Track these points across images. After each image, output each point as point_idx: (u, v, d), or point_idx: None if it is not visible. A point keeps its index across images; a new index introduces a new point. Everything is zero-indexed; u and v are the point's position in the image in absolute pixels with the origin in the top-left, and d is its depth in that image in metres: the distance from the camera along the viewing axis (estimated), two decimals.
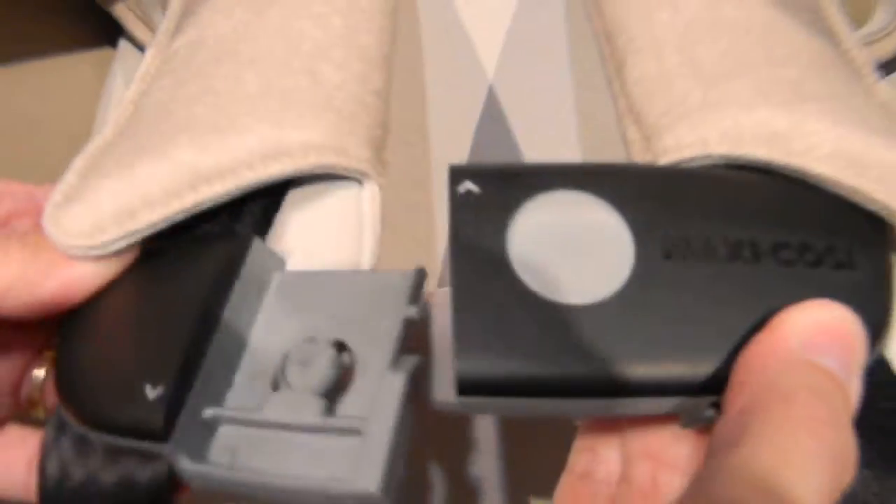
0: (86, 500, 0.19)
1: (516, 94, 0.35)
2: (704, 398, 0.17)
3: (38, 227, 0.21)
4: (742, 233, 0.17)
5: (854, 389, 0.16)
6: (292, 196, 0.22)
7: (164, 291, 0.19)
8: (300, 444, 0.18)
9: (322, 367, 0.18)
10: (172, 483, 0.18)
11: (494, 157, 0.34)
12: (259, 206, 0.21)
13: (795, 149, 0.18)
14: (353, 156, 0.21)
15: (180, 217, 0.20)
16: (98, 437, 0.19)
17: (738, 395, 0.16)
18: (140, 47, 0.39)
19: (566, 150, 0.33)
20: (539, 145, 0.33)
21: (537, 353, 0.16)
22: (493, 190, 0.18)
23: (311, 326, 0.19)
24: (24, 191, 0.23)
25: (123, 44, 0.40)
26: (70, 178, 0.20)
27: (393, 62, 0.25)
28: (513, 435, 0.36)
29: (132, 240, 0.19)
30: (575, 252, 0.17)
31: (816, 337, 0.16)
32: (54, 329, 0.22)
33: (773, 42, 0.21)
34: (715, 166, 0.19)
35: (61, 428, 0.20)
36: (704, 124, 0.20)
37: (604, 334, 0.16)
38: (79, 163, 0.21)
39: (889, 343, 0.17)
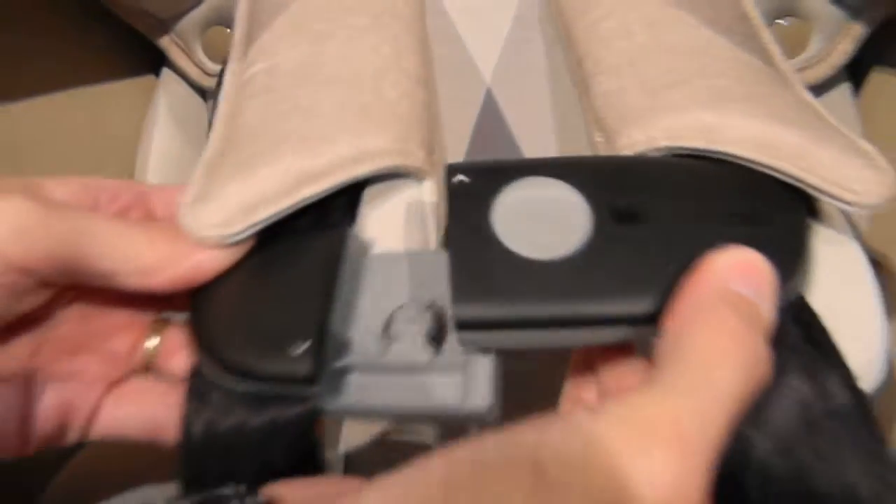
0: (233, 447, 0.22)
1: (506, 110, 0.40)
2: (651, 327, 0.20)
3: (159, 219, 0.26)
4: (678, 201, 0.22)
5: (766, 310, 0.20)
6: (368, 193, 0.26)
7: (291, 271, 0.23)
8: (416, 382, 0.22)
9: (425, 321, 0.23)
10: (313, 420, 0.22)
11: (488, 155, 0.39)
12: (343, 201, 0.26)
13: (720, 138, 0.23)
14: (415, 157, 0.26)
15: (289, 211, 0.24)
16: (246, 388, 0.22)
17: (672, 320, 0.20)
18: (181, 75, 0.43)
19: (548, 151, 0.39)
20: (525, 147, 0.39)
21: (517, 296, 0.21)
22: (479, 179, 0.23)
23: (406, 293, 0.24)
24: (137, 189, 0.26)
25: (166, 72, 0.44)
26: (196, 182, 0.25)
27: (431, 80, 0.30)
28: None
29: (253, 231, 0.24)
30: (544, 221, 0.22)
31: (733, 271, 0.20)
32: (162, 306, 0.26)
33: (706, 60, 0.26)
34: (654, 151, 0.24)
35: (200, 386, 0.23)
36: (651, 125, 0.25)
37: (568, 280, 0.21)
38: (199, 171, 0.25)
39: (803, 281, 0.22)
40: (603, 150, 0.27)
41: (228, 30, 0.41)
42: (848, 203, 0.22)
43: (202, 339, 0.23)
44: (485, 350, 0.22)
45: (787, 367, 0.20)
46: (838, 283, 0.23)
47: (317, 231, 0.25)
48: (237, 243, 0.24)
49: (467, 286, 0.21)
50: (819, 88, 0.37)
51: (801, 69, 0.36)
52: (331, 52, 0.28)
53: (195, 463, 0.22)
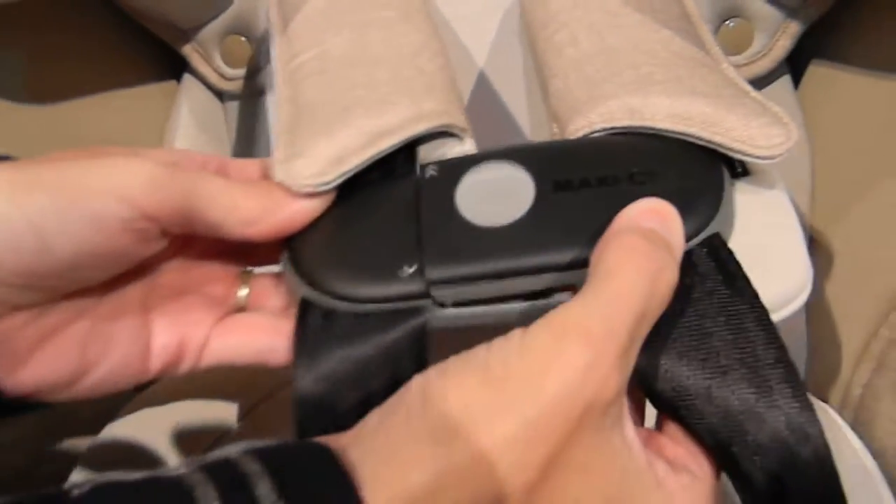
0: (344, 372, 0.24)
1: (491, 105, 0.45)
2: (583, 270, 0.24)
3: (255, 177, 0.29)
4: (607, 169, 0.26)
5: (672, 237, 0.23)
6: (423, 150, 0.30)
7: (378, 213, 0.27)
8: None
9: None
10: (424, 337, 0.25)
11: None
12: (404, 157, 0.29)
13: (643, 116, 0.28)
14: (458, 118, 0.30)
15: (369, 161, 0.27)
16: (359, 309, 0.25)
17: (594, 254, 0.23)
18: (202, 80, 0.48)
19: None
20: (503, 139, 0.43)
21: (476, 256, 0.25)
22: (444, 171, 0.27)
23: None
24: (217, 161, 0.29)
25: (187, 77, 0.49)
26: (281, 147, 0.28)
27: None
28: None
29: (341, 179, 0.26)
30: (497, 196, 0.26)
31: (642, 213, 0.23)
32: (248, 260, 0.30)
33: (638, 53, 0.31)
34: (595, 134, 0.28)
35: (308, 318, 0.25)
36: (590, 113, 0.29)
37: (515, 239, 0.25)
38: (280, 140, 0.28)
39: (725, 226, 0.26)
40: (558, 138, 0.31)
41: (244, 38, 0.46)
42: (756, 157, 0.26)
43: (308, 275, 0.26)
44: (457, 303, 0.26)
45: (696, 292, 0.24)
46: (766, 225, 0.27)
47: (388, 181, 0.28)
48: (325, 193, 0.26)
49: (436, 253, 0.25)
50: (763, 80, 0.42)
51: (746, 63, 0.41)
52: (372, 38, 0.32)
53: (308, 402, 0.24)
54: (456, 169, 0.27)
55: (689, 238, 0.25)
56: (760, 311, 0.24)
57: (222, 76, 0.47)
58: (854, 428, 0.38)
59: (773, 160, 0.26)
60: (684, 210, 0.25)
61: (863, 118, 0.40)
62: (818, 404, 0.38)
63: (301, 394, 0.24)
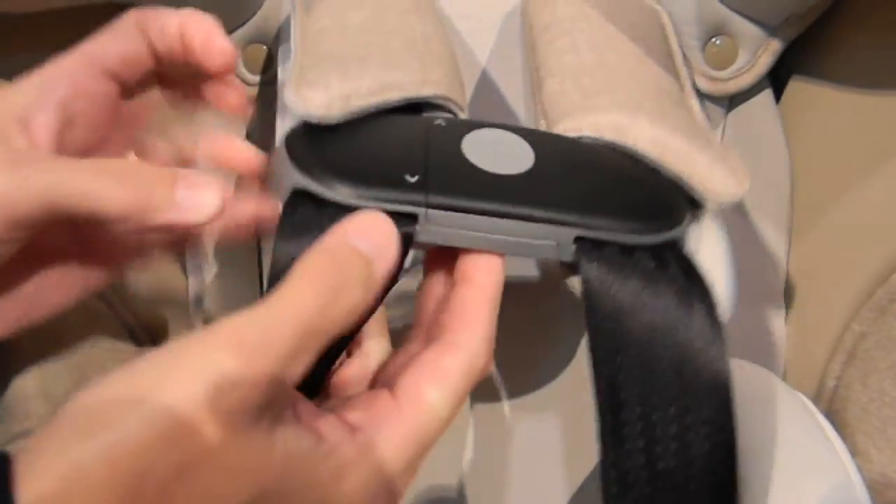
0: None
1: (490, 104, 0.47)
2: (567, 230, 0.26)
3: (209, 69, 0.29)
4: (597, 159, 0.30)
5: (377, 259, 0.23)
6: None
7: (393, 133, 0.29)
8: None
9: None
10: (411, 241, 0.25)
11: None
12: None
13: (629, 135, 0.31)
14: (460, 96, 0.33)
15: (372, 108, 0.29)
16: (353, 203, 0.25)
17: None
18: None
19: None
20: None
21: (475, 187, 0.26)
22: (452, 124, 0.29)
23: None
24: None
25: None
26: (295, 71, 0.29)
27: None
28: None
29: (345, 118, 0.28)
30: (498, 152, 0.28)
31: (356, 232, 0.23)
32: None
33: (631, 79, 0.34)
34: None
35: (299, 203, 0.26)
36: (580, 119, 0.32)
37: (513, 187, 0.27)
38: (295, 65, 0.30)
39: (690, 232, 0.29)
40: None
41: (264, 47, 0.49)
42: (713, 197, 0.30)
43: (306, 166, 0.26)
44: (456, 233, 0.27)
45: (663, 285, 0.26)
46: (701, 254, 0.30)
47: (398, 119, 0.30)
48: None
49: (440, 173, 0.27)
50: (746, 93, 0.45)
51: (731, 78, 0.44)
52: (389, 17, 0.35)
53: (281, 276, 0.23)
54: (463, 125, 0.29)
55: (656, 231, 0.27)
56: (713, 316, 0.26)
57: (245, 82, 0.50)
58: (828, 416, 0.40)
59: (724, 203, 0.30)
60: (654, 213, 0.28)
61: (838, 129, 0.43)
62: (796, 395, 0.41)
63: (277, 268, 0.24)
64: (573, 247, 0.27)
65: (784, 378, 0.45)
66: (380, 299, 0.24)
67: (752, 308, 0.45)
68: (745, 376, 0.43)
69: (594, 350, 0.26)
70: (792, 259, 0.45)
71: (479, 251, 0.26)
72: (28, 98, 0.26)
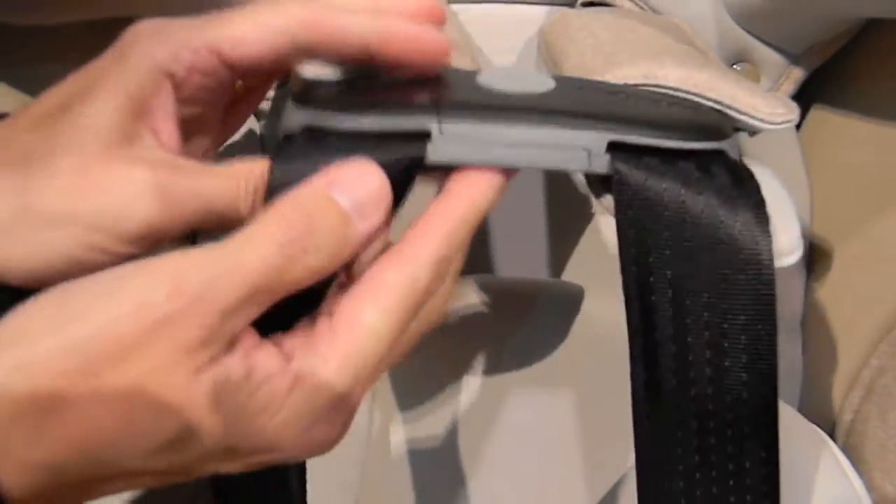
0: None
1: None
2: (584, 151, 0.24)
3: None
4: (618, 87, 0.28)
5: (356, 218, 0.21)
6: None
7: (402, 76, 0.25)
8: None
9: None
10: (419, 165, 0.22)
11: None
12: None
13: (658, 76, 0.29)
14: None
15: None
16: (358, 127, 0.22)
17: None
18: None
19: None
20: None
21: (497, 106, 0.24)
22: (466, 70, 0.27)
23: None
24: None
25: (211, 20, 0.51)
26: None
27: None
28: None
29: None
30: (516, 79, 0.25)
31: (339, 184, 0.21)
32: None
33: (652, 45, 0.33)
34: None
35: (299, 133, 0.23)
36: (604, 73, 0.30)
37: (539, 100, 0.25)
38: None
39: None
40: None
41: None
42: (760, 120, 0.27)
43: (309, 101, 0.23)
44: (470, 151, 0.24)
45: (708, 194, 0.23)
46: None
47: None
48: None
49: (457, 99, 0.24)
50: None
51: None
52: None
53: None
54: (477, 71, 0.27)
55: (702, 137, 0.24)
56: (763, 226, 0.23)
57: None
58: (844, 451, 0.40)
59: (776, 126, 0.27)
60: (700, 119, 0.25)
61: (859, 160, 0.43)
62: (814, 429, 0.40)
63: (271, 187, 0.22)
64: (607, 156, 0.24)
65: (800, 410, 0.44)
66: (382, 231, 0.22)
67: None
68: None
69: (625, 267, 0.24)
70: (809, 290, 0.44)
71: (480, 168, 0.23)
72: (147, 87, 0.23)
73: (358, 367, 0.20)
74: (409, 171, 0.22)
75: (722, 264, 0.23)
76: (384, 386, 0.45)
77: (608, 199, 0.26)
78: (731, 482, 0.26)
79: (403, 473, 0.43)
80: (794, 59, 0.43)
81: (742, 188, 0.24)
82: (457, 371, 0.45)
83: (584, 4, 0.45)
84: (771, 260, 0.23)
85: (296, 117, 0.23)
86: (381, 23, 0.23)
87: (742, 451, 0.25)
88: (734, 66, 0.43)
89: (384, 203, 0.21)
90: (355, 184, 0.21)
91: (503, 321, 0.46)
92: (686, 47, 0.35)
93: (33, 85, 0.44)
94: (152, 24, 0.23)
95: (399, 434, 0.44)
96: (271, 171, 0.22)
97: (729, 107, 0.27)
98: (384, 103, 0.23)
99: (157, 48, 0.23)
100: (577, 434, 0.44)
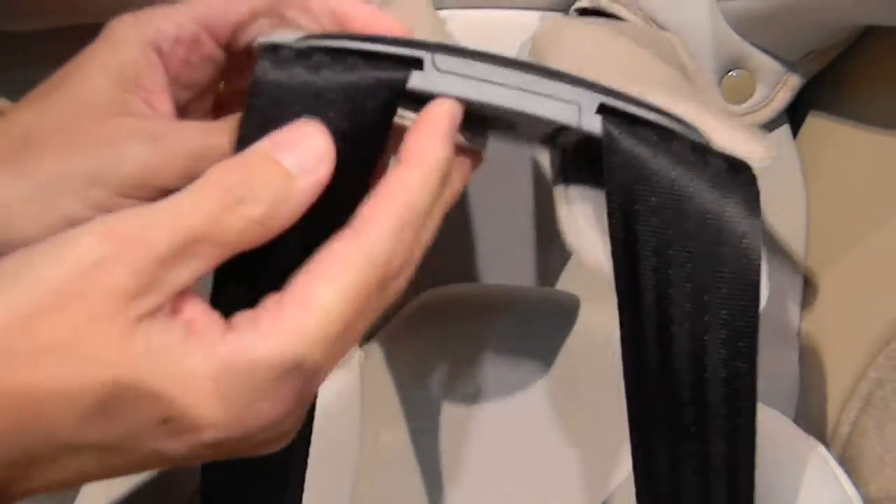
0: (309, 91, 0.21)
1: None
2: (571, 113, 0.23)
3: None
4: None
5: (300, 185, 0.20)
6: None
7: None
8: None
9: None
10: (402, 90, 0.22)
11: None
12: None
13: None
14: None
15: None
16: (342, 45, 0.22)
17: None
18: None
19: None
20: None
21: (490, 54, 0.23)
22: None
23: None
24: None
25: None
26: None
27: None
28: None
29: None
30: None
31: (279, 142, 0.21)
32: None
33: (640, 72, 0.33)
34: None
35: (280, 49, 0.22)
36: None
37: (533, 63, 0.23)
38: None
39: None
40: None
41: None
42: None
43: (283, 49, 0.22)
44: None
45: (700, 172, 0.23)
46: None
47: None
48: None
49: (449, 45, 0.23)
50: (763, 129, 0.44)
51: (748, 113, 0.43)
52: None
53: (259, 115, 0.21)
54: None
55: None
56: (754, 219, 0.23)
57: None
58: (841, 463, 0.39)
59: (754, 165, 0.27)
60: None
61: (858, 169, 0.42)
62: (808, 440, 0.40)
63: (257, 77, 0.22)
64: (598, 117, 0.23)
65: (795, 420, 0.44)
66: (361, 184, 0.22)
67: (765, 348, 0.44)
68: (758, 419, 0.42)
69: (613, 234, 0.24)
70: (807, 300, 0.44)
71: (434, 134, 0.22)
72: (136, 61, 0.24)
73: (308, 343, 0.20)
74: (390, 101, 0.22)
75: (708, 239, 0.23)
76: (377, 390, 0.45)
77: (570, 190, 0.27)
78: (709, 463, 0.26)
79: (396, 476, 0.43)
80: (791, 65, 0.42)
81: (737, 176, 0.24)
82: (448, 377, 0.45)
83: (578, 11, 0.44)
84: (759, 245, 0.23)
85: (265, 66, 0.22)
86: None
87: (720, 432, 0.25)
88: (730, 74, 0.43)
89: (327, 159, 0.21)
90: (297, 143, 0.21)
91: (495, 328, 0.46)
92: (674, 72, 0.34)
93: (25, 89, 0.44)
94: (135, 12, 0.25)
95: (392, 437, 0.44)
96: (244, 115, 0.22)
97: (708, 140, 0.27)
98: (371, 37, 0.23)
99: (141, 25, 0.24)
100: (569, 441, 0.43)
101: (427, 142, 0.22)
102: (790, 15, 0.38)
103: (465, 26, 0.46)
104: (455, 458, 0.43)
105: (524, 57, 0.46)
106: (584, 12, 0.44)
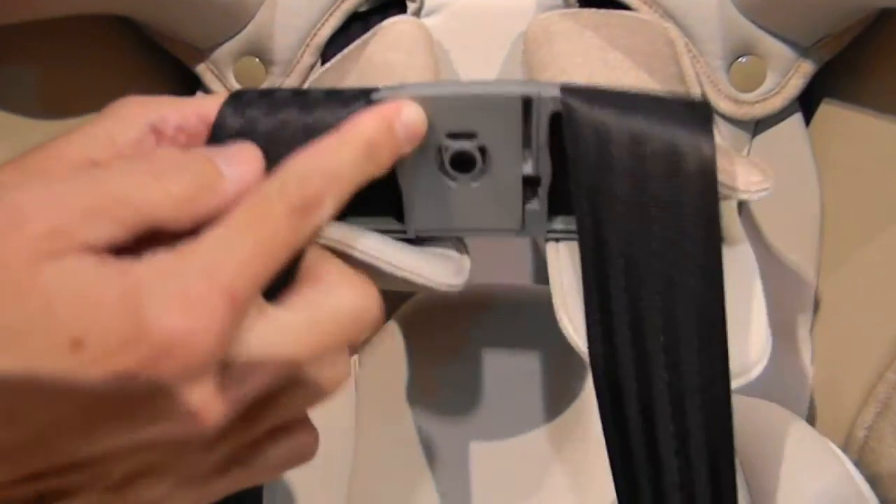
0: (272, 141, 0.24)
1: None
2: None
3: None
4: None
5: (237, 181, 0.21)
6: None
7: None
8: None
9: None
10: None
11: None
12: None
13: None
14: None
15: None
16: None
17: None
18: None
19: None
20: None
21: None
22: None
23: None
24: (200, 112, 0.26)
25: (199, 95, 0.49)
26: None
27: None
28: None
29: None
30: None
31: (217, 151, 0.22)
32: None
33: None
34: None
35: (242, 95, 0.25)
36: None
37: None
38: None
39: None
40: None
41: (257, 59, 0.46)
42: (734, 189, 0.27)
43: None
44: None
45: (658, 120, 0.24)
46: (733, 289, 0.26)
47: None
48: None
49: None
50: (774, 118, 0.42)
51: (758, 101, 0.41)
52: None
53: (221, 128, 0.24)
54: None
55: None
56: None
57: None
58: (857, 468, 0.38)
59: (750, 197, 0.27)
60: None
61: (873, 158, 0.40)
62: (823, 441, 0.38)
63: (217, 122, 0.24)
64: (557, 94, 0.25)
65: (807, 420, 0.42)
66: None
67: (776, 346, 0.42)
68: (768, 418, 0.40)
69: (578, 203, 0.25)
70: (821, 295, 0.42)
71: None
72: (133, 140, 0.24)
73: (207, 264, 0.19)
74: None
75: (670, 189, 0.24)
76: (370, 386, 0.44)
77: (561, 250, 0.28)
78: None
79: (391, 477, 0.42)
80: (804, 51, 0.40)
81: (693, 109, 0.24)
82: (443, 378, 0.44)
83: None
84: (714, 171, 0.23)
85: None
86: None
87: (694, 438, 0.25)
88: (739, 60, 0.41)
89: (254, 155, 0.22)
90: (230, 149, 0.22)
91: (486, 327, 0.45)
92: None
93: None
94: (134, 96, 0.25)
95: (386, 433, 0.43)
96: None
97: None
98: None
99: (147, 109, 0.24)
100: (564, 443, 0.42)
101: (363, 116, 0.23)
102: None
103: (461, 13, 0.44)
104: (450, 457, 0.42)
105: (520, 50, 0.44)
106: (585, 1, 0.42)
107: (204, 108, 0.25)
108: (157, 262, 0.19)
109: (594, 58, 0.34)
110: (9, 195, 0.18)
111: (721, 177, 0.25)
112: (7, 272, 0.17)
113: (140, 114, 0.24)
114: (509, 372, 0.43)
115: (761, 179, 0.27)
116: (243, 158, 0.22)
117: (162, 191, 0.20)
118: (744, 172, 0.27)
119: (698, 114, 0.24)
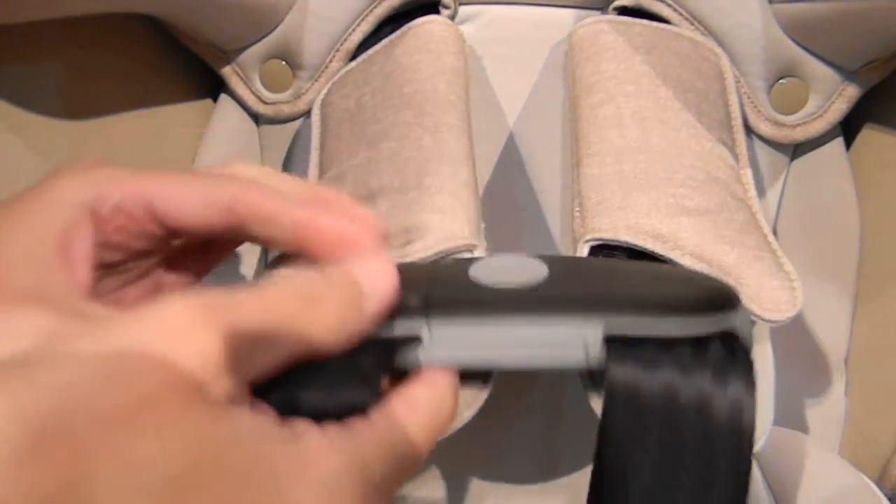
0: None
1: (524, 150, 0.44)
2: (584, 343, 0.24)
3: None
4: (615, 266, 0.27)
5: (377, 297, 0.22)
6: None
7: None
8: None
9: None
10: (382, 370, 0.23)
11: (501, 185, 0.43)
12: None
13: (668, 246, 0.28)
14: (461, 237, 0.30)
15: None
16: None
17: None
18: (238, 101, 0.47)
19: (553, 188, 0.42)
20: (535, 183, 0.42)
21: (488, 304, 0.24)
22: (458, 260, 0.28)
23: None
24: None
25: (223, 97, 0.48)
26: None
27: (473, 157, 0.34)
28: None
29: None
30: (507, 271, 0.25)
31: (354, 265, 0.22)
32: None
33: (677, 166, 0.31)
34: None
35: None
36: (618, 219, 0.29)
37: (531, 295, 0.24)
38: None
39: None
40: (578, 226, 0.31)
41: (284, 62, 0.45)
42: (761, 317, 0.27)
43: None
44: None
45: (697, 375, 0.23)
46: None
47: None
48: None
49: (447, 298, 0.24)
50: (813, 142, 0.41)
51: (799, 124, 0.40)
52: (383, 155, 0.33)
53: None
54: (469, 259, 0.27)
55: (702, 313, 0.23)
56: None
57: (260, 99, 0.46)
58: (892, 503, 0.37)
59: (774, 324, 0.27)
60: (702, 294, 0.24)
61: None
62: (858, 475, 0.37)
63: None
64: (603, 352, 0.23)
65: (840, 454, 0.41)
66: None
67: (809, 377, 0.41)
68: (800, 450, 0.39)
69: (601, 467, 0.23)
70: (857, 327, 0.41)
71: None
72: (66, 225, 0.22)
73: (393, 458, 0.21)
74: (399, 370, 0.23)
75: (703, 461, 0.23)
76: None
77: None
78: None
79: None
80: (849, 75, 0.39)
81: (735, 363, 0.23)
82: None
83: (618, 10, 0.41)
84: (752, 439, 0.23)
85: None
86: (314, 216, 0.24)
87: None
88: (781, 81, 0.40)
89: (391, 291, 0.22)
90: (371, 271, 0.22)
91: None
92: (719, 162, 0.32)
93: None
94: (78, 163, 0.23)
95: None
96: None
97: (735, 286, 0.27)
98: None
99: (82, 185, 0.23)
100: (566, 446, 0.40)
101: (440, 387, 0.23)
102: (855, 19, 0.35)
103: (495, 22, 0.43)
104: (448, 458, 0.41)
105: (557, 60, 0.43)
106: (623, 11, 0.41)
107: (146, 191, 0.23)
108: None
109: (645, 91, 0.33)
110: (177, 309, 0.18)
111: (745, 300, 0.26)
112: (184, 415, 0.17)
113: (72, 195, 0.22)
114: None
115: (786, 308, 0.27)
116: (382, 274, 0.22)
117: (319, 317, 0.20)
118: (774, 288, 0.28)
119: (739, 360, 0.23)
